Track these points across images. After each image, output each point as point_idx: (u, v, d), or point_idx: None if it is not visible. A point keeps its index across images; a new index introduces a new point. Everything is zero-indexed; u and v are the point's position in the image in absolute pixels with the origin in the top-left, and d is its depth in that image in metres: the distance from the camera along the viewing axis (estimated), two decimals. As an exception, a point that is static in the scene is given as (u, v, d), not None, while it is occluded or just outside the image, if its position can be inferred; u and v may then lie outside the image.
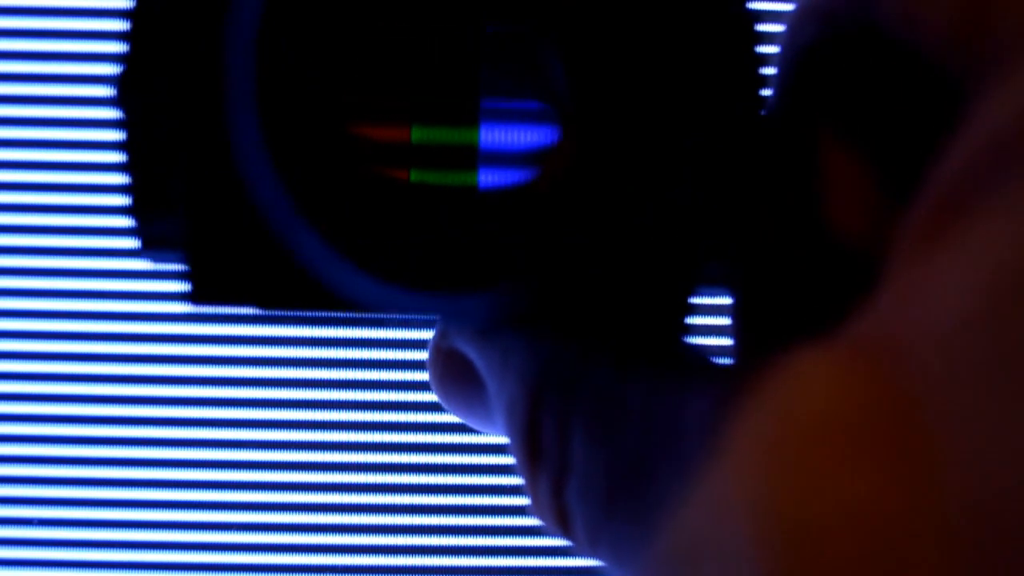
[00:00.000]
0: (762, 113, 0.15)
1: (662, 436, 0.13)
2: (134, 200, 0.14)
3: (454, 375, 0.17)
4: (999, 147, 0.11)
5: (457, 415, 0.18)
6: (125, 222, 0.14)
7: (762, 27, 0.14)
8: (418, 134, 0.14)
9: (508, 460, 0.16)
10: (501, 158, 0.14)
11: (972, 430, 0.09)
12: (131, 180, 0.14)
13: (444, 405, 0.18)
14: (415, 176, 0.14)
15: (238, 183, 0.13)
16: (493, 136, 0.14)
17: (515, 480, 0.16)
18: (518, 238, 0.13)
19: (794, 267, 0.15)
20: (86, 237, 0.55)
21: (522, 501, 0.16)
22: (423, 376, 0.55)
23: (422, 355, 0.54)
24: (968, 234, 0.10)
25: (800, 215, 0.15)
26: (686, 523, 0.11)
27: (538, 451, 0.15)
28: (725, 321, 0.15)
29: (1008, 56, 0.11)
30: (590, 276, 0.13)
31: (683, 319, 0.14)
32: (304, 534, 0.56)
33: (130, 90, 0.13)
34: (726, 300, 0.16)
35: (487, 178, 0.14)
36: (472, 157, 0.14)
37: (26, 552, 0.55)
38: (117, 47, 0.14)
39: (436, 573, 0.56)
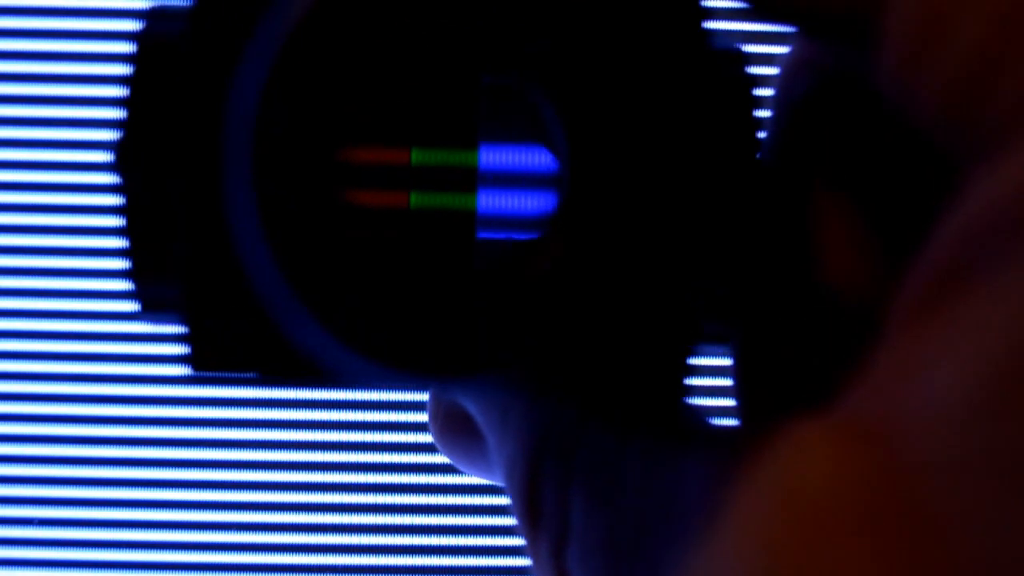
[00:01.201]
0: (758, 170, 0.15)
1: (661, 504, 0.13)
2: (132, 264, 0.14)
3: (454, 429, 0.17)
4: (1001, 220, 0.10)
5: (458, 466, 0.18)
6: (124, 284, 0.14)
7: (760, 90, 0.14)
8: (417, 199, 0.14)
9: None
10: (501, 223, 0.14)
11: (974, 524, 0.09)
12: (129, 244, 0.14)
13: (445, 456, 0.18)
14: (415, 215, 0.14)
15: (236, 262, 0.13)
16: (493, 199, 0.14)
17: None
18: (519, 323, 0.13)
19: (791, 323, 0.15)
20: (85, 237, 0.55)
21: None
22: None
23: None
24: (968, 309, 0.10)
25: (796, 270, 0.15)
26: None
27: (538, 514, 0.15)
28: (726, 381, 0.15)
29: (1010, 126, 0.11)
30: (588, 354, 0.13)
31: (682, 382, 0.14)
32: (304, 534, 0.56)
33: (128, 157, 0.13)
34: (726, 360, 0.16)
35: (486, 238, 0.14)
36: (471, 221, 0.14)
37: (26, 552, 0.55)
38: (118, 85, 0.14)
39: (436, 573, 0.56)
